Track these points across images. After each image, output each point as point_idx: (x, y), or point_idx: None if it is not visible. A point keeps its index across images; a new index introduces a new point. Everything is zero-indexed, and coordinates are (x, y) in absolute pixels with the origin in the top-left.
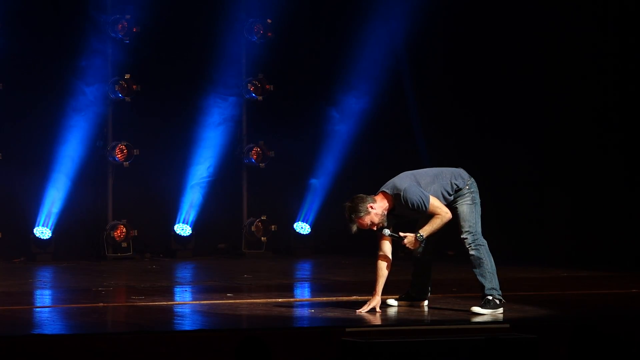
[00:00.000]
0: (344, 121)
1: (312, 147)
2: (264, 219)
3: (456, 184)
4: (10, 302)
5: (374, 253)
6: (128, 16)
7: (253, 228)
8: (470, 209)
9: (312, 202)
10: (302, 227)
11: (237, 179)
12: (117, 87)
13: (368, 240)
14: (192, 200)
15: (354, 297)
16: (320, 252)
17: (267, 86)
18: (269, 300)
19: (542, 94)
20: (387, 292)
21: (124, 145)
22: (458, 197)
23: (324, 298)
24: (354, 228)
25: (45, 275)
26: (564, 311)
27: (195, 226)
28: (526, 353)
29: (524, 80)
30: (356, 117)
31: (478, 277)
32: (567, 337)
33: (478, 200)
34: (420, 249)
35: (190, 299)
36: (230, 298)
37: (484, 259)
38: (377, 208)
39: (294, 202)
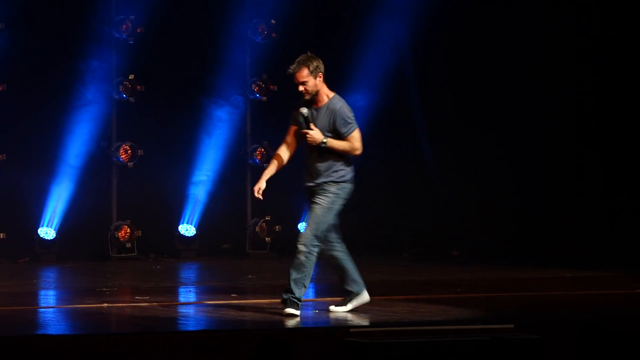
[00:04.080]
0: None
1: None
2: (268, 220)
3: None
4: (14, 302)
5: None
6: (132, 16)
7: (257, 228)
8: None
9: None
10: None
11: (241, 179)
12: (121, 88)
13: (372, 240)
14: (196, 199)
15: None
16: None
17: (271, 87)
18: (273, 300)
19: (547, 90)
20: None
21: (128, 145)
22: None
23: (328, 298)
24: (293, 70)
25: (49, 275)
26: (569, 311)
27: (199, 226)
28: (530, 353)
29: (529, 78)
30: (360, 117)
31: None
32: (572, 338)
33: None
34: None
35: (195, 299)
36: (234, 298)
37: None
38: (320, 83)
39: (298, 202)
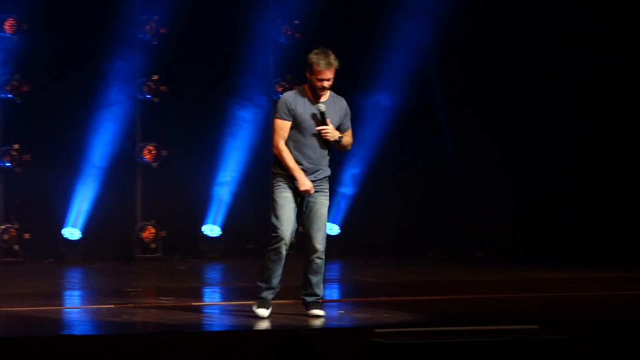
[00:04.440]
0: (371, 120)
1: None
2: None
3: None
4: (39, 302)
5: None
6: (156, 17)
7: None
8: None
9: (340, 203)
10: (331, 228)
11: (266, 179)
12: (145, 88)
13: (397, 240)
14: (220, 199)
15: (383, 298)
16: (349, 253)
17: (295, 87)
18: (298, 301)
19: (572, 90)
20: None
21: (153, 146)
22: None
23: (353, 299)
24: (334, 64)
25: (74, 276)
26: (594, 312)
27: (224, 227)
28: (555, 354)
29: (553, 77)
30: (383, 117)
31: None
32: (597, 338)
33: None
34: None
35: (219, 300)
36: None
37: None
38: None
39: None
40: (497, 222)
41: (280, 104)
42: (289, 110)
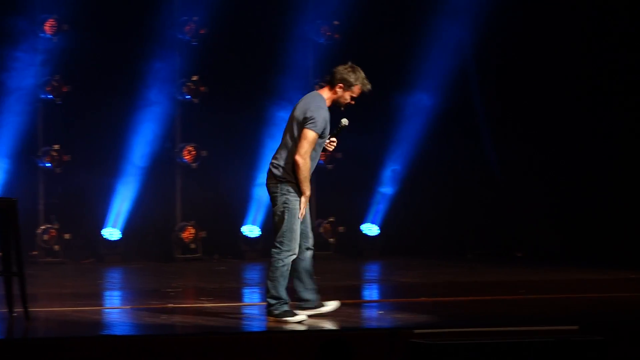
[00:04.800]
0: (411, 120)
1: (379, 148)
2: (332, 221)
3: None
4: (79, 303)
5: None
6: (195, 18)
7: (321, 229)
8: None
9: (380, 203)
10: (370, 229)
11: None
12: (184, 89)
13: (436, 241)
14: (260, 200)
15: (423, 298)
16: (389, 254)
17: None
18: (336, 300)
19: (614, 90)
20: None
21: (192, 146)
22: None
23: (393, 299)
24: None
25: (113, 276)
26: (634, 313)
27: (263, 227)
28: (595, 355)
29: (596, 77)
30: (424, 117)
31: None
32: (637, 339)
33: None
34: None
35: (259, 300)
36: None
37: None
38: None
39: (362, 203)
40: (537, 223)
41: (319, 119)
42: (324, 127)
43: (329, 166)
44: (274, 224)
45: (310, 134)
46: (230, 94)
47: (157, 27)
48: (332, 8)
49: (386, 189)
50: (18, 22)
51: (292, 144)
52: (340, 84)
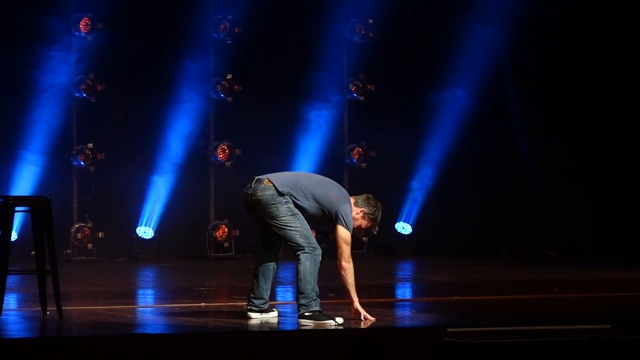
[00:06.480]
0: (445, 119)
1: (413, 148)
2: None
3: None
4: (112, 301)
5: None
6: (230, 16)
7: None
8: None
9: (414, 202)
10: (404, 227)
11: (339, 179)
12: (219, 87)
13: (470, 240)
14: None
15: (456, 297)
16: (422, 252)
17: (369, 86)
18: (370, 300)
19: None
20: None
21: (226, 145)
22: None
23: (425, 298)
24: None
25: (147, 274)
26: None
27: None
28: (628, 354)
29: (630, 78)
30: (457, 115)
31: None
32: None
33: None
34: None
35: (292, 299)
36: (331, 298)
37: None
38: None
39: (395, 202)
40: (570, 222)
41: (350, 222)
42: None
43: (363, 165)
44: (282, 232)
45: (349, 236)
46: (264, 92)
47: (191, 25)
48: (367, 6)
49: (419, 188)
50: (53, 21)
51: (307, 182)
52: (367, 217)
